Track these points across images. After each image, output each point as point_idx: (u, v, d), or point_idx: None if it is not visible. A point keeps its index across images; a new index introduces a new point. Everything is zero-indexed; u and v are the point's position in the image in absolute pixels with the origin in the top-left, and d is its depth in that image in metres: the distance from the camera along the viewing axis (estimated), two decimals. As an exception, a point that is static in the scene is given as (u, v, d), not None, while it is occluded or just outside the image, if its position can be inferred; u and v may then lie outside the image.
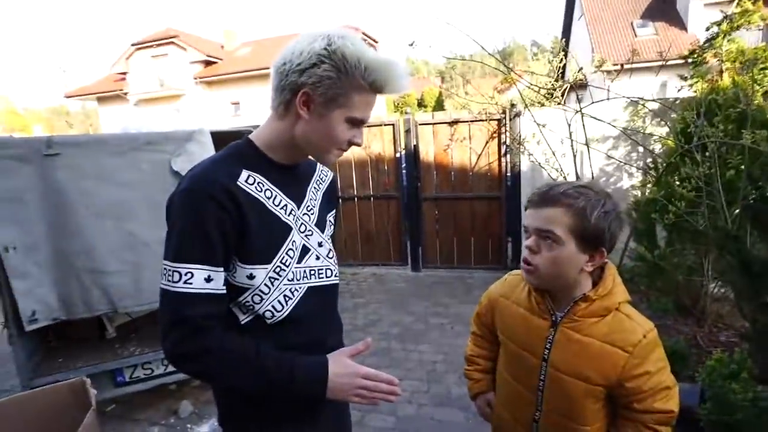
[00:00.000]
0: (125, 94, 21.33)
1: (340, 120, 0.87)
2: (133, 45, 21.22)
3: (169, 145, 2.53)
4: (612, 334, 0.98)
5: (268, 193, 0.90)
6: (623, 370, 0.95)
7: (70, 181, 2.29)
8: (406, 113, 5.24)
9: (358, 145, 0.94)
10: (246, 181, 0.87)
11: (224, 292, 0.86)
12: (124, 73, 21.74)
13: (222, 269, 0.84)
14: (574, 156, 3.87)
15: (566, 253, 0.96)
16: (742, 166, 2.55)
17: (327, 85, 0.83)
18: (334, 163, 5.28)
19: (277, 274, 0.90)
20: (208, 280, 0.82)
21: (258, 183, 0.89)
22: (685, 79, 4.94)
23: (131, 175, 2.44)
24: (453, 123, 5.05)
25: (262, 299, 0.89)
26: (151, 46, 20.96)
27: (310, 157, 0.99)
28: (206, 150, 2.58)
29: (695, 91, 4.20)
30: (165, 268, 0.82)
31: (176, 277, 0.81)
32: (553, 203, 0.97)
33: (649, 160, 3.94)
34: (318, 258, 1.00)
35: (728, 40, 4.61)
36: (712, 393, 2.05)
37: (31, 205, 2.25)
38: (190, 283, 0.81)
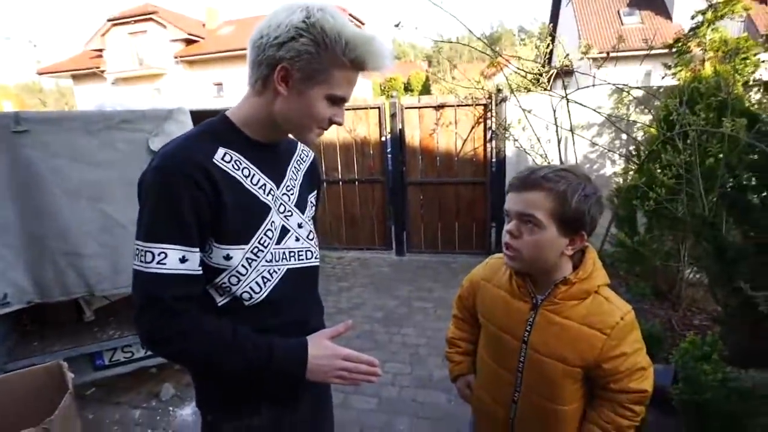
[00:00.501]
0: (102, 72, 20.56)
1: (320, 97, 0.84)
2: (109, 21, 20.37)
3: (147, 124, 2.45)
4: (590, 316, 0.99)
5: (245, 172, 0.87)
6: (601, 351, 0.97)
7: (40, 160, 2.20)
8: (392, 97, 5.18)
9: (339, 124, 0.90)
10: (222, 159, 0.84)
11: (200, 272, 0.83)
12: (101, 50, 20.91)
13: (197, 249, 0.82)
14: (559, 142, 3.90)
15: (547, 237, 0.96)
16: (721, 155, 2.60)
17: (306, 60, 0.79)
18: (318, 145, 5.22)
19: (255, 255, 0.88)
20: (183, 260, 0.79)
21: (235, 161, 0.86)
22: (669, 67, 4.99)
23: (106, 155, 2.35)
24: (439, 107, 5.01)
25: (239, 280, 0.87)
26: (128, 23, 20.15)
27: (290, 135, 0.96)
28: (185, 129, 2.49)
29: (679, 80, 4.24)
30: (137, 248, 0.79)
31: (149, 257, 0.78)
32: (534, 187, 0.97)
33: (632, 147, 3.99)
34: (298, 239, 0.98)
35: (712, 29, 4.66)
36: (684, 374, 2.12)
37: (0, 183, 2.15)
38: (164, 264, 0.78)
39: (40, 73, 23.19)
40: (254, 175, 0.89)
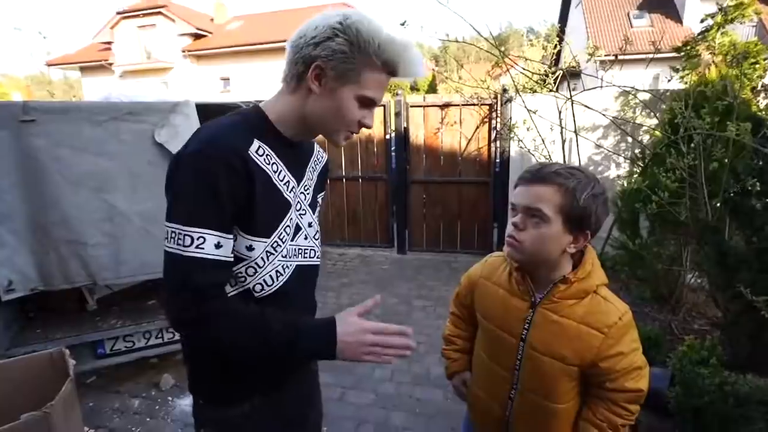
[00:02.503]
0: (110, 64, 20.65)
1: (351, 97, 0.85)
2: (118, 13, 20.44)
3: (153, 116, 2.46)
4: (589, 315, 0.99)
5: (274, 167, 0.89)
6: (598, 350, 0.97)
7: (46, 149, 2.22)
8: (397, 95, 5.18)
9: (369, 127, 0.92)
10: (256, 152, 0.85)
11: (231, 259, 0.84)
12: (109, 43, 20.99)
13: (231, 236, 0.83)
14: (563, 143, 3.89)
15: (552, 232, 0.96)
16: (726, 159, 2.58)
17: (340, 59, 0.82)
18: (323, 143, 5.20)
19: (274, 249, 0.90)
20: (218, 246, 0.80)
21: (267, 155, 0.87)
22: (677, 70, 4.96)
23: (112, 146, 2.37)
24: (444, 106, 5.01)
25: (255, 272, 0.88)
26: (137, 16, 20.21)
27: (319, 136, 0.97)
28: (191, 122, 2.52)
29: (686, 83, 4.22)
30: (173, 231, 0.78)
31: (188, 241, 0.78)
32: (544, 181, 0.97)
33: (637, 150, 3.97)
34: (306, 238, 1.00)
35: (722, 33, 4.62)
36: (681, 377, 2.12)
37: (6, 171, 2.17)
38: (202, 248, 0.78)
39: (49, 65, 23.31)
40: (281, 171, 0.91)
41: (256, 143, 0.85)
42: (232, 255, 0.84)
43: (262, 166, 0.86)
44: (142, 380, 2.77)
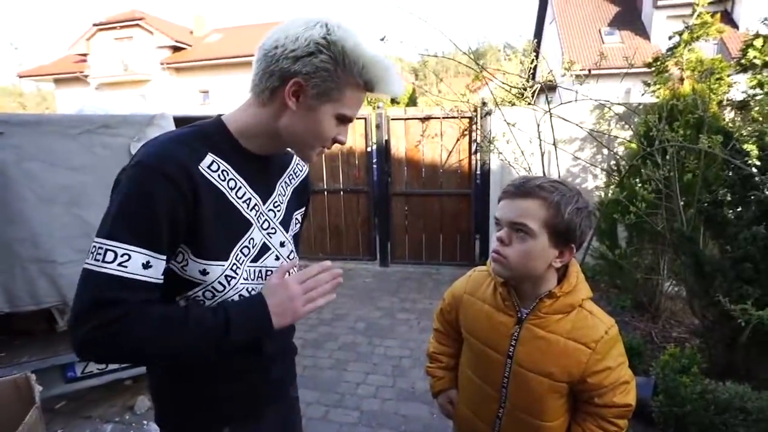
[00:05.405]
0: (85, 76, 20.22)
1: (330, 115, 0.81)
2: (95, 25, 20.12)
3: (128, 129, 2.40)
4: (575, 330, 0.98)
5: (231, 183, 0.83)
6: (586, 366, 0.96)
7: (14, 163, 2.12)
8: (378, 108, 5.21)
9: (342, 143, 0.88)
10: (209, 167, 0.79)
11: (161, 282, 0.75)
12: (85, 55, 20.59)
13: (164, 257, 0.74)
14: (542, 156, 3.96)
15: (537, 246, 0.95)
16: (699, 170, 2.67)
17: (322, 78, 0.77)
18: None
19: (234, 272, 0.83)
20: (147, 266, 0.72)
21: (222, 171, 0.81)
22: (648, 85, 5.14)
23: (85, 159, 2.29)
24: (425, 119, 5.06)
25: (214, 296, 0.82)
26: (114, 28, 19.94)
27: (289, 149, 0.93)
28: (168, 136, 2.47)
29: (657, 97, 4.37)
30: (95, 245, 0.70)
31: (110, 256, 0.69)
32: (529, 195, 0.95)
33: (613, 162, 4.07)
34: (278, 258, 0.93)
35: (689, 50, 4.84)
36: (664, 386, 2.14)
37: (-30, 188, 2.07)
38: (125, 267, 0.70)
39: (21, 76, 22.68)
40: (240, 187, 0.84)
41: (209, 158, 0.79)
42: (162, 277, 0.75)
43: (215, 183, 0.79)
44: (115, 404, 2.64)
